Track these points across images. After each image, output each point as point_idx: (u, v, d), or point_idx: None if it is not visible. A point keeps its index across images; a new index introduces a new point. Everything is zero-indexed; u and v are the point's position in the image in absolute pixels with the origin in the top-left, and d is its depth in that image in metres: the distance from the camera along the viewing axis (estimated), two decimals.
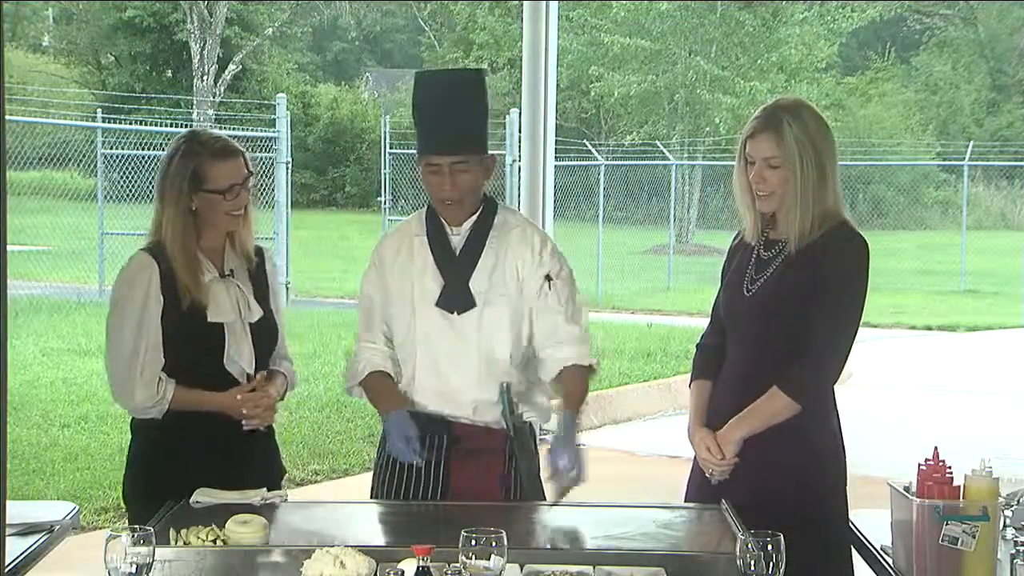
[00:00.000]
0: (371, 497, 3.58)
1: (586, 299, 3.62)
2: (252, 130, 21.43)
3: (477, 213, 3.50)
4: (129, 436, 3.59)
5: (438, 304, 3.45)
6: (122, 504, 3.75)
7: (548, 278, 3.45)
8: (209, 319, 3.45)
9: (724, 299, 3.52)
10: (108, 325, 3.49)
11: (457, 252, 3.48)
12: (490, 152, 3.51)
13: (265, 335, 3.56)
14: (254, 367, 3.51)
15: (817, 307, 3.27)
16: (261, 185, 16.59)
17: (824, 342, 3.28)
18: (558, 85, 6.49)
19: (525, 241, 3.49)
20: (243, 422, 3.49)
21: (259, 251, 3.64)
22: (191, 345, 3.46)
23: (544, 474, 3.33)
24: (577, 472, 3.23)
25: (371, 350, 3.54)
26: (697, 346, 3.63)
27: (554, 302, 3.44)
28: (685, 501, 3.49)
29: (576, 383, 3.41)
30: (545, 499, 3.40)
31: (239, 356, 3.49)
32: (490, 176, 3.52)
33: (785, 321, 3.31)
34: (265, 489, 3.34)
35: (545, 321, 3.44)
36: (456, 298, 3.44)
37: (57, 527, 3.29)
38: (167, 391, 3.43)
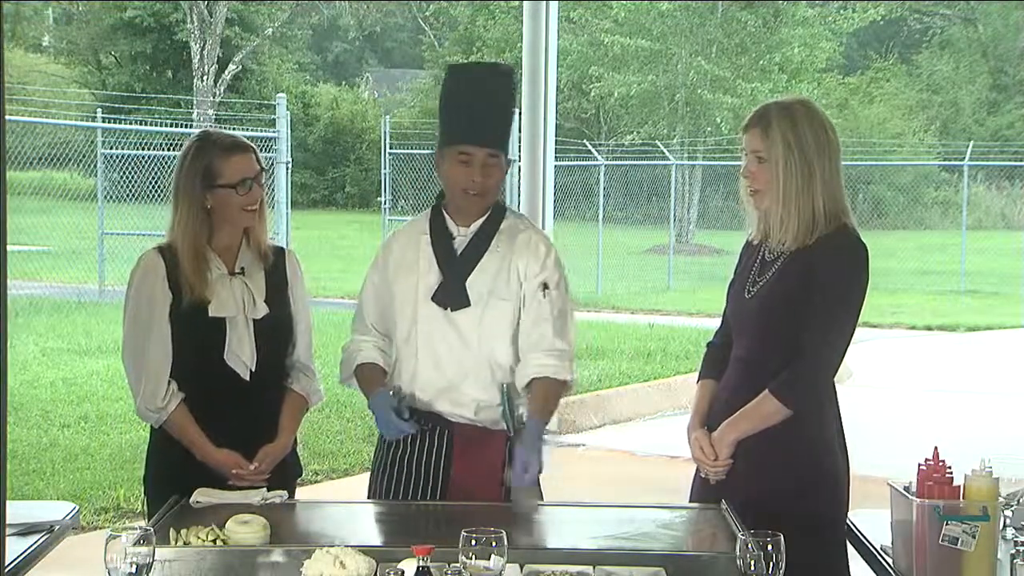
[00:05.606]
0: (369, 497, 3.57)
1: (574, 306, 3.61)
2: (252, 130, 21.41)
3: (486, 215, 3.50)
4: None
5: (433, 298, 3.46)
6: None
7: (545, 286, 3.45)
8: (210, 314, 3.47)
9: (728, 300, 3.53)
10: (123, 325, 3.56)
11: (459, 252, 3.48)
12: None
13: (271, 333, 3.55)
14: (255, 362, 3.50)
15: (811, 310, 3.27)
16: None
17: (816, 346, 3.27)
18: (558, 85, 6.47)
19: (530, 246, 3.49)
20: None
21: (279, 251, 3.65)
22: (193, 340, 3.49)
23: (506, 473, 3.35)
24: (531, 476, 3.27)
25: (362, 342, 3.57)
26: (707, 345, 3.64)
27: (546, 312, 3.44)
28: (690, 501, 3.48)
29: (546, 394, 3.40)
30: (543, 500, 3.40)
31: (240, 350, 3.49)
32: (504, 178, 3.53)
33: (781, 324, 3.30)
34: (265, 489, 3.36)
35: (533, 329, 3.43)
36: (451, 294, 3.45)
37: (57, 527, 3.29)
38: (170, 403, 3.45)
